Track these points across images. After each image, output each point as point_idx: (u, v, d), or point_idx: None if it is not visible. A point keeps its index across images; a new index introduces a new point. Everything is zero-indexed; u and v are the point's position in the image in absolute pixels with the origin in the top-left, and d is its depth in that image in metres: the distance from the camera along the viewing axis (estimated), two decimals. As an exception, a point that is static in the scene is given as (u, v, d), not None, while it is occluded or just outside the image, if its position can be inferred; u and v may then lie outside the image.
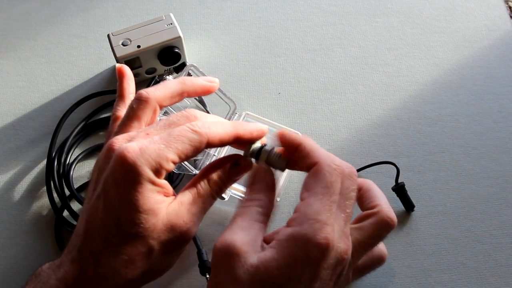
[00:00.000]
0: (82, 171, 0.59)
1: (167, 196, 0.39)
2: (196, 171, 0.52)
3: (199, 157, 0.54)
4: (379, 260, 0.44)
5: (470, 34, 0.69)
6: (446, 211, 0.55)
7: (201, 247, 0.51)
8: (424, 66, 0.66)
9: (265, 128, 0.43)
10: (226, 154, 0.54)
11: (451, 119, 0.62)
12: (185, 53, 0.63)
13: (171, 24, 0.62)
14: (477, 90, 0.64)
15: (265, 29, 0.70)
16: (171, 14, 0.63)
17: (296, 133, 0.57)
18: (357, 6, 0.72)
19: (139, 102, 0.42)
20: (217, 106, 0.58)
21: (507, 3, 0.74)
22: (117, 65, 0.51)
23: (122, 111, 0.46)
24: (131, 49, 0.60)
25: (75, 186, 0.57)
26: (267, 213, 0.39)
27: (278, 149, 0.42)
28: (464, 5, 0.72)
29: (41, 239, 0.55)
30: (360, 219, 0.41)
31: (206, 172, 0.41)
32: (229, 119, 0.58)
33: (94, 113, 0.62)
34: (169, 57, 0.62)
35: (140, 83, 0.64)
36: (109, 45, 0.61)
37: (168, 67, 0.64)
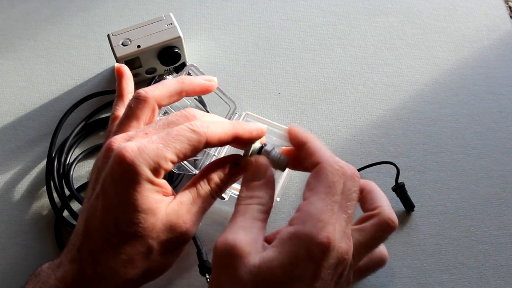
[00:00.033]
0: (82, 171, 0.59)
1: (166, 196, 0.39)
2: (196, 171, 0.52)
3: (198, 157, 0.54)
4: (380, 262, 0.44)
5: (470, 34, 0.69)
6: (446, 211, 0.55)
7: (201, 247, 0.51)
8: (424, 66, 0.66)
9: (264, 127, 0.42)
10: (226, 154, 0.55)
11: (451, 119, 0.62)
12: (185, 53, 0.63)
13: (171, 24, 0.62)
14: (477, 90, 0.64)
15: (265, 29, 0.70)
16: (171, 14, 0.63)
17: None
18: (357, 6, 0.72)
19: (138, 102, 0.42)
20: (217, 106, 0.58)
21: (507, 3, 0.74)
22: (116, 64, 0.51)
23: (121, 110, 0.46)
24: (131, 49, 0.60)
25: (75, 186, 0.57)
26: (267, 211, 0.39)
27: (281, 149, 0.42)
28: (464, 5, 0.72)
29: (41, 239, 0.55)
30: (361, 221, 0.41)
31: (206, 172, 0.41)
32: (229, 119, 0.58)
33: (94, 113, 0.62)
34: (169, 57, 0.62)
35: (140, 83, 0.64)
36: (109, 45, 0.61)
37: (168, 67, 0.64)
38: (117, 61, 0.60)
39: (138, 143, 0.37)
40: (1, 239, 0.55)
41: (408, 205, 0.55)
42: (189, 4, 0.73)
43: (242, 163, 0.42)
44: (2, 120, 0.63)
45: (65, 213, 0.55)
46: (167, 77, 0.57)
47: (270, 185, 0.40)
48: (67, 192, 0.56)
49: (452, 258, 0.52)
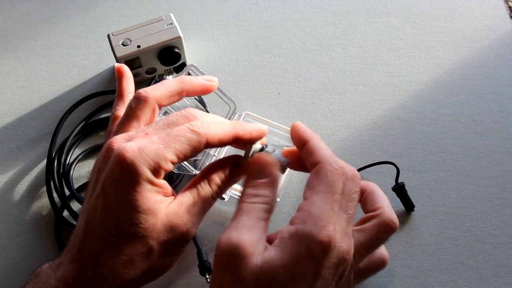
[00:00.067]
0: (82, 171, 0.59)
1: (166, 196, 0.38)
2: (196, 171, 0.52)
3: (199, 157, 0.54)
4: (381, 264, 0.44)
5: (470, 34, 0.69)
6: (446, 211, 0.55)
7: (201, 247, 0.51)
8: (424, 66, 0.66)
9: (265, 128, 0.42)
10: (226, 154, 0.55)
11: (451, 119, 0.62)
12: (185, 53, 0.63)
13: (171, 24, 0.62)
14: (477, 90, 0.64)
15: (265, 29, 0.70)
16: (171, 14, 0.63)
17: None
18: (357, 6, 0.72)
19: (138, 102, 0.42)
20: (217, 106, 0.58)
21: (507, 3, 0.74)
22: (116, 64, 0.51)
23: (121, 110, 0.46)
24: (131, 49, 0.60)
25: (75, 186, 0.57)
26: (271, 210, 0.39)
27: (281, 150, 0.42)
28: (464, 5, 0.72)
29: (41, 239, 0.55)
30: (362, 222, 0.41)
31: (207, 173, 0.41)
32: (229, 119, 0.58)
33: (94, 113, 0.62)
34: (169, 57, 0.62)
35: (140, 83, 0.64)
36: (109, 45, 0.61)
37: (168, 67, 0.64)
38: (117, 61, 0.60)
39: (138, 143, 0.37)
40: (1, 239, 0.55)
41: (408, 205, 0.55)
42: (189, 4, 0.73)
43: (243, 164, 0.42)
44: (2, 120, 0.63)
45: (65, 213, 0.55)
46: (167, 77, 0.57)
47: (275, 183, 0.40)
48: (67, 192, 0.56)
49: (452, 258, 0.52)
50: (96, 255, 0.37)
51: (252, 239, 0.35)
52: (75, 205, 0.56)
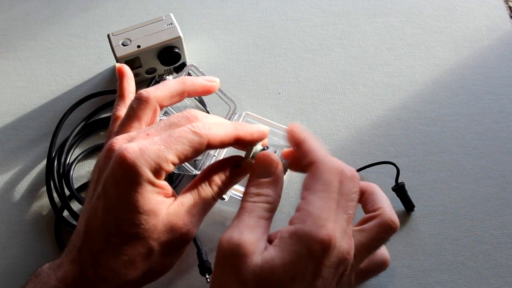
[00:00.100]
0: (82, 171, 0.59)
1: (167, 197, 0.38)
2: (196, 172, 0.52)
3: (199, 157, 0.54)
4: (382, 265, 0.44)
5: (470, 34, 0.69)
6: (446, 211, 0.55)
7: (201, 247, 0.51)
8: (424, 66, 0.66)
9: (266, 129, 0.42)
10: (227, 155, 0.55)
11: (451, 119, 0.62)
12: (185, 53, 0.63)
13: (171, 24, 0.62)
14: (477, 90, 0.64)
15: (265, 29, 0.70)
16: (171, 14, 0.63)
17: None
18: (357, 6, 0.72)
19: (140, 102, 0.42)
20: (217, 106, 0.58)
21: (507, 3, 0.74)
22: (117, 64, 0.51)
23: (122, 111, 0.46)
24: (131, 49, 0.60)
25: (75, 186, 0.57)
26: (273, 209, 0.39)
27: (282, 152, 0.42)
28: (464, 5, 0.72)
29: (41, 239, 0.55)
30: (362, 222, 0.41)
31: (207, 174, 0.41)
32: (229, 119, 0.58)
33: (94, 113, 0.62)
34: (169, 57, 0.62)
35: (140, 83, 0.64)
36: (109, 45, 0.61)
37: (168, 67, 0.64)
38: (117, 61, 0.60)
39: (139, 144, 0.37)
40: (1, 239, 0.55)
41: (408, 205, 0.55)
42: (189, 4, 0.73)
43: (243, 165, 0.42)
44: (2, 120, 0.63)
45: (65, 213, 0.55)
46: (167, 77, 0.57)
47: (279, 183, 0.40)
48: (67, 192, 0.56)
49: (452, 258, 0.52)
50: (96, 255, 0.37)
51: (253, 239, 0.35)
52: (75, 205, 0.56)
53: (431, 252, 0.53)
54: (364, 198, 0.44)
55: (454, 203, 0.56)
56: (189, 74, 0.56)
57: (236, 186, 0.52)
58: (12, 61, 0.68)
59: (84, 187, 0.57)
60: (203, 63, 0.67)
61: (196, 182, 0.40)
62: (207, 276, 0.49)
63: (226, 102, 0.58)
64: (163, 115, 0.51)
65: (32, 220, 0.56)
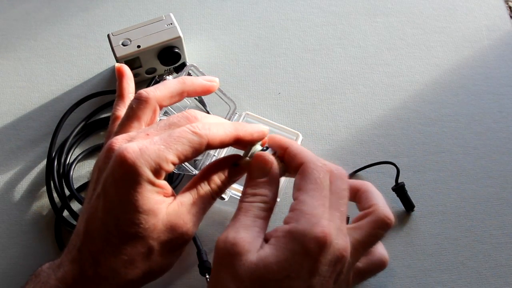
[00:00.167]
0: (82, 171, 0.59)
1: (166, 197, 0.39)
2: (196, 171, 0.52)
3: (199, 157, 0.54)
4: (381, 265, 0.44)
5: (470, 34, 0.69)
6: (446, 211, 0.55)
7: (201, 247, 0.51)
8: (424, 66, 0.66)
9: (265, 129, 0.42)
10: (227, 154, 0.55)
11: (451, 119, 0.62)
12: (185, 53, 0.63)
13: (171, 24, 0.62)
14: (477, 90, 0.64)
15: (265, 29, 0.70)
16: (171, 14, 0.63)
17: (296, 133, 0.57)
18: (357, 6, 0.72)
19: (139, 102, 0.42)
20: (217, 106, 0.58)
21: (507, 3, 0.74)
22: (117, 64, 0.51)
23: (121, 111, 0.46)
24: (131, 49, 0.60)
25: (75, 186, 0.57)
26: (270, 208, 0.39)
27: (279, 152, 0.42)
28: (464, 5, 0.72)
29: (41, 239, 0.55)
30: (357, 219, 0.41)
31: (206, 173, 0.41)
32: (229, 119, 0.58)
33: (94, 113, 0.62)
34: (169, 57, 0.62)
35: (140, 83, 0.64)
36: (109, 45, 0.61)
37: (168, 67, 0.64)
38: (117, 61, 0.60)
39: (139, 144, 0.37)
40: (1, 239, 0.55)
41: (408, 205, 0.55)
42: (189, 4, 0.73)
43: (242, 164, 0.42)
44: (2, 120, 0.63)
45: (65, 213, 0.55)
46: (167, 77, 0.57)
47: (274, 182, 0.40)
48: (67, 192, 0.56)
49: (452, 258, 0.52)
50: (96, 255, 0.37)
51: (248, 238, 0.36)
52: (75, 205, 0.56)
53: (431, 252, 0.53)
54: (358, 196, 0.44)
55: (454, 203, 0.56)
56: (189, 74, 0.56)
57: (237, 186, 0.52)
58: (12, 61, 0.68)
59: (84, 187, 0.57)
60: (203, 63, 0.67)
61: (195, 182, 0.40)
62: (207, 276, 0.49)
63: (226, 102, 0.58)
64: (163, 115, 0.51)
65: (32, 220, 0.56)
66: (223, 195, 0.52)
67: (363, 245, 0.39)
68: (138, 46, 0.60)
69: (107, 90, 0.63)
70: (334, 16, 0.71)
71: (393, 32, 0.70)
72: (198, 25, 0.71)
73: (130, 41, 0.61)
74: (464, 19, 0.70)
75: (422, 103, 0.63)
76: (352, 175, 0.57)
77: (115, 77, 0.50)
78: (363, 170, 0.57)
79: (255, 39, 0.69)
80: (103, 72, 0.67)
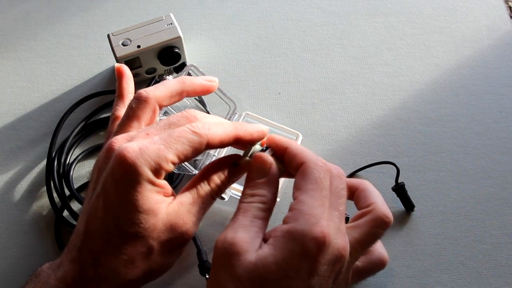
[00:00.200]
0: (82, 171, 0.59)
1: (166, 196, 0.39)
2: (196, 171, 0.52)
3: (199, 157, 0.54)
4: (380, 264, 0.44)
5: (470, 34, 0.69)
6: (446, 211, 0.55)
7: (201, 247, 0.51)
8: (424, 66, 0.66)
9: (265, 129, 0.43)
10: (226, 154, 0.55)
11: (451, 119, 0.62)
12: (185, 53, 0.63)
13: (171, 24, 0.62)
14: (477, 90, 0.64)
15: (265, 29, 0.70)
16: (171, 14, 0.63)
17: (296, 133, 0.57)
18: (357, 6, 0.72)
19: (139, 102, 0.42)
20: (217, 106, 0.58)
21: (507, 3, 0.74)
22: (116, 64, 0.52)
23: (121, 111, 0.46)
24: (131, 49, 0.60)
25: (75, 186, 0.57)
26: (269, 208, 0.39)
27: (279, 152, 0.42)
28: (464, 5, 0.72)
29: (41, 239, 0.55)
30: (355, 219, 0.41)
31: (206, 173, 0.41)
32: (229, 119, 0.58)
33: (94, 113, 0.62)
34: (169, 57, 0.62)
35: (140, 83, 0.64)
36: (109, 45, 0.61)
37: (168, 67, 0.64)
38: (117, 61, 0.60)
39: (139, 143, 0.37)
40: (1, 239, 0.55)
41: (408, 205, 0.55)
42: (189, 4, 0.73)
43: (241, 163, 0.42)
44: (2, 120, 0.63)
45: (65, 213, 0.55)
46: (167, 77, 0.57)
47: (273, 183, 0.40)
48: (67, 192, 0.56)
49: (452, 258, 0.52)
50: (96, 255, 0.37)
51: (247, 237, 0.36)
52: (75, 205, 0.56)
53: (431, 252, 0.53)
54: (356, 195, 0.44)
55: (454, 203, 0.56)
56: (189, 74, 0.56)
57: (236, 186, 0.52)
58: (12, 61, 0.68)
59: (84, 187, 0.57)
60: (203, 63, 0.67)
61: (195, 181, 0.41)
62: (207, 276, 0.49)
63: (226, 102, 0.58)
64: (163, 115, 0.51)
65: (32, 220, 0.56)
66: (223, 195, 0.52)
67: (362, 244, 0.39)
68: (138, 46, 0.60)
69: (107, 90, 0.63)
70: (334, 16, 0.71)
71: (393, 32, 0.70)
72: (198, 25, 0.71)
73: (130, 41, 0.61)
74: (464, 19, 0.70)
75: (422, 103, 0.63)
76: (352, 175, 0.57)
77: (115, 77, 0.50)
78: (363, 170, 0.57)
79: (255, 39, 0.69)
80: (103, 72, 0.67)
